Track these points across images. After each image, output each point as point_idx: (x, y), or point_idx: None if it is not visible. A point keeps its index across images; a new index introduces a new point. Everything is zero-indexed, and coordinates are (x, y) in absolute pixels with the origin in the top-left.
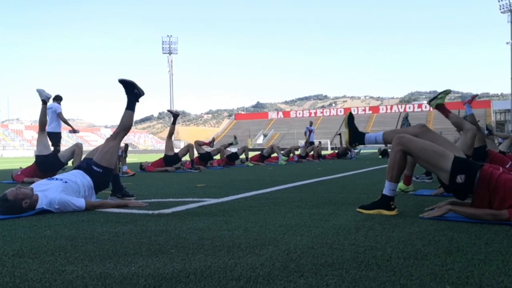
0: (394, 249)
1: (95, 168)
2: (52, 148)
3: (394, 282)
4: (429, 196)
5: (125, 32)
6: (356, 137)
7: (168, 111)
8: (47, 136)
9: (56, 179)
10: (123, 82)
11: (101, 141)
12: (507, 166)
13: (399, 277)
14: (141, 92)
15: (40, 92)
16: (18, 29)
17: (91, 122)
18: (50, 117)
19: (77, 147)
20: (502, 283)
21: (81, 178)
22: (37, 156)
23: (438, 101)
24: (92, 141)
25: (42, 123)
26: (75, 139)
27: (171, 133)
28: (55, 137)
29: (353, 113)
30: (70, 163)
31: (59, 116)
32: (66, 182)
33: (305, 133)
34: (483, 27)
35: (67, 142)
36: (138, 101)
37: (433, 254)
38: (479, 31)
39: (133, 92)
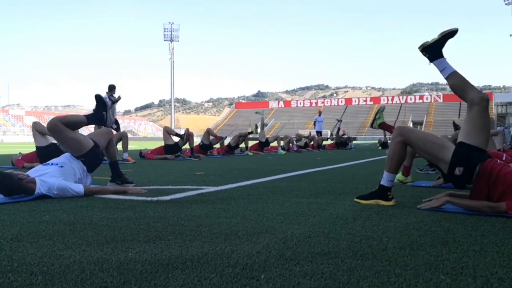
0: (390, 239)
1: (78, 159)
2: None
3: (389, 271)
4: (427, 188)
5: (126, 19)
6: (436, 51)
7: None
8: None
9: (52, 164)
10: (98, 99)
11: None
12: (503, 159)
13: (394, 266)
14: (108, 122)
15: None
16: (18, 13)
17: (91, 109)
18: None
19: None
20: (496, 274)
21: (74, 162)
22: (37, 147)
23: (378, 121)
24: (92, 128)
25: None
26: None
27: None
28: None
29: (354, 103)
30: None
31: (113, 106)
32: (62, 166)
33: (314, 122)
34: (486, 19)
35: None
36: (98, 125)
37: (429, 245)
38: (482, 23)
39: (100, 113)
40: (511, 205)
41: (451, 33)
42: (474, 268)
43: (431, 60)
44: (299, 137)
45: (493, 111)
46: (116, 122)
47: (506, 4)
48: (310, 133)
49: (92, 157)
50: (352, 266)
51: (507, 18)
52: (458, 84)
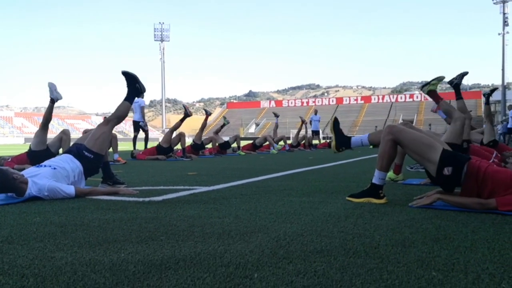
0: (382, 236)
1: (86, 153)
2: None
3: (382, 269)
4: (418, 185)
5: (116, 18)
6: (342, 141)
7: (184, 106)
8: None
9: (45, 166)
10: (126, 74)
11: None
12: (494, 156)
13: (387, 264)
14: (143, 88)
15: (52, 89)
16: (5, 14)
17: (81, 110)
18: (135, 108)
19: (64, 134)
20: (487, 270)
21: (70, 163)
22: (31, 150)
23: (431, 87)
24: (82, 129)
25: (47, 120)
26: (65, 126)
27: (175, 128)
28: (136, 125)
29: (345, 102)
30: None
31: (142, 109)
32: (55, 168)
33: (310, 122)
34: (475, 17)
35: (56, 129)
36: (138, 97)
37: (421, 242)
38: (471, 22)
39: (134, 86)
40: (500, 202)
41: (336, 122)
42: (465, 264)
43: (349, 147)
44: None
45: (482, 109)
46: (138, 125)
47: (494, 3)
48: (298, 131)
49: (97, 162)
50: (345, 264)
51: (495, 17)
52: (447, 108)
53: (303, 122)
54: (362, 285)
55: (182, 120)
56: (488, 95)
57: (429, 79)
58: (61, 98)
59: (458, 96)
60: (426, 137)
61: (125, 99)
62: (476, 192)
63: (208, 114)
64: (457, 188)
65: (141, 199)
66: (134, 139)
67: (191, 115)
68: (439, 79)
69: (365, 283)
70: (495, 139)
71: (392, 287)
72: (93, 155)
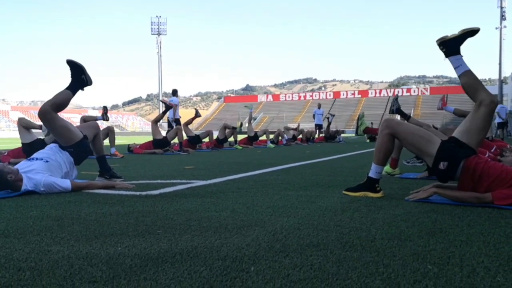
0: (379, 230)
1: (67, 149)
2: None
3: (378, 262)
4: (415, 179)
5: (113, 12)
6: (453, 45)
7: (162, 101)
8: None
9: (36, 158)
10: (71, 63)
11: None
12: (492, 151)
13: (383, 257)
14: (89, 81)
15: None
16: (1, 7)
17: (78, 104)
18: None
19: None
20: (482, 263)
21: (60, 154)
22: (23, 144)
23: (362, 127)
24: (78, 123)
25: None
26: None
27: (158, 120)
28: (177, 122)
29: (342, 97)
30: None
31: (175, 108)
32: (47, 161)
33: (313, 115)
34: (473, 11)
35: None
36: (82, 89)
37: (417, 235)
38: (468, 16)
39: (79, 77)
40: (496, 196)
41: (472, 32)
42: (460, 258)
43: (447, 55)
44: (287, 129)
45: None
46: (178, 122)
47: None
48: (298, 125)
49: (81, 149)
50: (341, 257)
51: (493, 11)
52: (471, 83)
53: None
54: (358, 278)
55: (164, 113)
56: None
57: (426, 74)
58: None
59: (406, 117)
60: (424, 130)
61: (67, 88)
62: (471, 188)
63: (197, 115)
64: (453, 182)
65: (138, 193)
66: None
67: (171, 107)
68: (360, 117)
69: (361, 276)
70: (491, 136)
71: (388, 280)
72: (72, 148)
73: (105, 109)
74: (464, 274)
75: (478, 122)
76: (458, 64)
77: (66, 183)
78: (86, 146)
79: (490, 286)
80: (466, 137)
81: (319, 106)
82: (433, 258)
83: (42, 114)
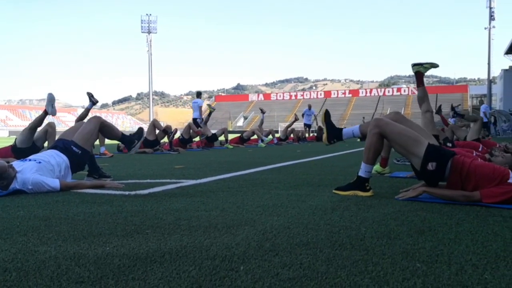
0: (368, 229)
1: (74, 148)
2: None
3: (367, 260)
4: (405, 178)
5: (103, 10)
6: (334, 133)
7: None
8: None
9: (30, 160)
10: (141, 132)
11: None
12: (480, 150)
13: (372, 256)
14: (134, 149)
15: (49, 102)
16: None
17: (67, 102)
18: (194, 108)
19: (50, 127)
20: (470, 261)
21: (56, 158)
22: (16, 147)
23: (421, 69)
24: (68, 122)
25: (36, 125)
26: (50, 118)
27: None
28: (196, 123)
29: (333, 96)
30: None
31: (200, 108)
32: (40, 162)
33: (303, 115)
34: (462, 11)
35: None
36: (125, 149)
37: (406, 234)
38: (458, 16)
39: (133, 140)
40: (484, 194)
41: (327, 114)
42: (449, 256)
43: (341, 139)
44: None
45: (468, 103)
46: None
47: None
48: (295, 115)
49: (84, 158)
50: (331, 256)
51: (481, 11)
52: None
53: (296, 119)
54: (348, 277)
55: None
56: (454, 112)
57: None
58: (55, 114)
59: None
60: (412, 131)
61: (123, 135)
62: (460, 186)
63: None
64: (441, 182)
65: (127, 193)
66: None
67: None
68: (433, 65)
69: (351, 274)
70: (478, 138)
71: (377, 278)
72: (81, 150)
73: (89, 94)
74: (452, 272)
75: (425, 125)
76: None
77: (55, 183)
78: (86, 161)
79: (477, 283)
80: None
81: (310, 107)
82: (422, 256)
83: (94, 117)
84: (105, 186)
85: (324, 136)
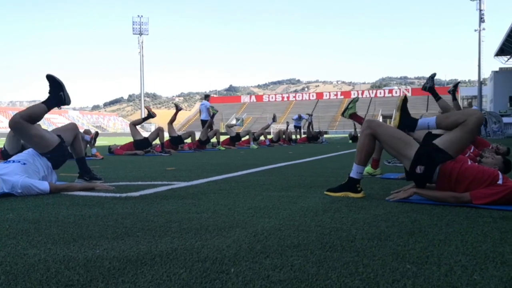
0: (359, 230)
1: (44, 156)
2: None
3: (357, 262)
4: (396, 180)
5: (94, 11)
6: (407, 123)
7: (146, 107)
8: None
9: (13, 161)
10: (51, 79)
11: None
12: (471, 151)
13: (362, 257)
14: (67, 100)
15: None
16: None
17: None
18: (202, 109)
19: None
20: (460, 262)
21: (38, 159)
22: (6, 151)
23: (350, 111)
24: (59, 124)
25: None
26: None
27: (138, 123)
28: (204, 123)
29: (325, 98)
30: None
31: (208, 110)
32: (24, 164)
33: (294, 119)
34: (453, 14)
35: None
36: (59, 107)
37: (396, 235)
38: (449, 18)
39: (57, 94)
40: (474, 195)
41: (405, 101)
42: (438, 257)
43: (413, 130)
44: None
45: (459, 104)
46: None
47: (471, 0)
48: (287, 124)
49: (58, 154)
50: (321, 257)
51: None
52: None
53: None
54: (338, 278)
55: (144, 120)
56: (453, 91)
57: (407, 75)
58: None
59: (437, 97)
60: (403, 133)
61: (43, 102)
62: (448, 190)
63: (178, 109)
64: (429, 184)
65: (118, 195)
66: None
67: (154, 115)
68: (354, 101)
69: (341, 276)
70: None
71: (367, 280)
72: (49, 154)
73: (96, 135)
74: (442, 273)
75: (461, 135)
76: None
77: (44, 185)
78: (64, 150)
79: (467, 284)
80: (446, 146)
81: (300, 117)
82: (412, 257)
83: (12, 124)
84: (95, 188)
85: (395, 122)
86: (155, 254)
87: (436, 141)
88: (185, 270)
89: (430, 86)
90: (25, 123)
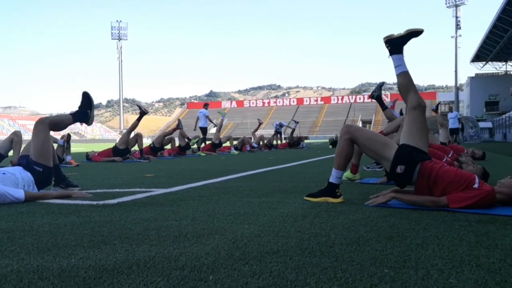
0: (338, 235)
1: (35, 167)
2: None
3: (336, 267)
4: (375, 184)
5: (71, 16)
6: (397, 44)
7: (138, 105)
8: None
9: None
10: (85, 96)
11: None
12: (449, 156)
13: (341, 262)
14: (91, 119)
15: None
16: None
17: (34, 110)
18: (200, 117)
19: (16, 135)
20: (437, 266)
21: (21, 173)
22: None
23: (376, 94)
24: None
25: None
26: (16, 127)
27: (133, 128)
28: (204, 130)
29: (305, 103)
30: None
31: (206, 118)
32: (4, 173)
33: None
34: (430, 20)
35: (7, 130)
36: (81, 123)
37: (375, 240)
38: (427, 25)
39: (85, 111)
40: (451, 199)
41: (417, 33)
42: (416, 261)
43: (391, 53)
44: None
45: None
46: (206, 130)
47: (447, 6)
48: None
49: (47, 175)
50: (300, 263)
51: (448, 20)
52: (405, 84)
53: (260, 123)
54: (316, 284)
55: (139, 120)
56: (436, 106)
57: (386, 80)
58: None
59: (383, 107)
60: (381, 135)
61: (72, 114)
62: (428, 191)
63: (142, 112)
64: (410, 186)
65: (95, 202)
66: (200, 142)
67: (147, 112)
68: (380, 85)
69: (319, 282)
70: (445, 143)
71: (346, 285)
72: (42, 167)
73: (68, 137)
74: (419, 277)
75: (415, 125)
76: (399, 64)
77: (19, 193)
78: (51, 176)
79: None
80: (413, 141)
81: (281, 125)
82: (390, 262)
83: (39, 122)
84: (72, 196)
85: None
86: (132, 263)
87: (402, 140)
88: (163, 278)
89: (377, 95)
90: (47, 127)
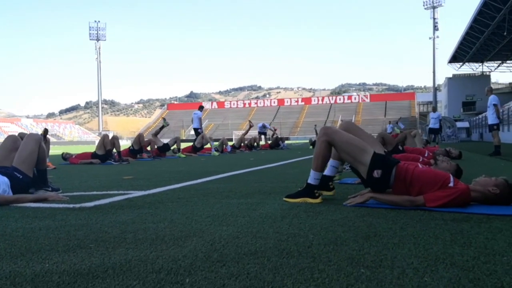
0: (316, 236)
1: (15, 173)
2: None
3: (313, 268)
4: (353, 184)
5: (48, 15)
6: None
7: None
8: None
9: None
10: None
11: (21, 131)
12: (425, 155)
13: (318, 262)
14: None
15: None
16: None
17: (10, 112)
18: (194, 119)
19: None
20: (412, 264)
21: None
22: None
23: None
24: (12, 132)
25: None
26: None
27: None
28: (197, 132)
29: (286, 104)
30: None
31: (200, 120)
32: None
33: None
34: (409, 22)
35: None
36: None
37: (352, 240)
38: (405, 26)
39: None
40: (428, 198)
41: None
42: (392, 260)
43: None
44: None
45: (416, 109)
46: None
47: (425, 8)
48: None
49: (25, 184)
50: (278, 264)
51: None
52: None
53: (251, 125)
54: (293, 285)
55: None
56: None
57: (366, 81)
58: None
59: None
60: (359, 140)
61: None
62: (405, 192)
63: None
64: (388, 190)
65: (71, 206)
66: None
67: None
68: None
69: (296, 283)
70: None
71: (322, 285)
72: (22, 175)
73: (45, 132)
74: (394, 276)
75: (357, 139)
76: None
77: None
78: (29, 186)
79: (418, 286)
80: (376, 150)
81: (264, 126)
82: (367, 261)
83: (36, 135)
84: (48, 199)
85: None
86: (107, 267)
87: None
88: (139, 282)
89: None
90: (39, 143)
